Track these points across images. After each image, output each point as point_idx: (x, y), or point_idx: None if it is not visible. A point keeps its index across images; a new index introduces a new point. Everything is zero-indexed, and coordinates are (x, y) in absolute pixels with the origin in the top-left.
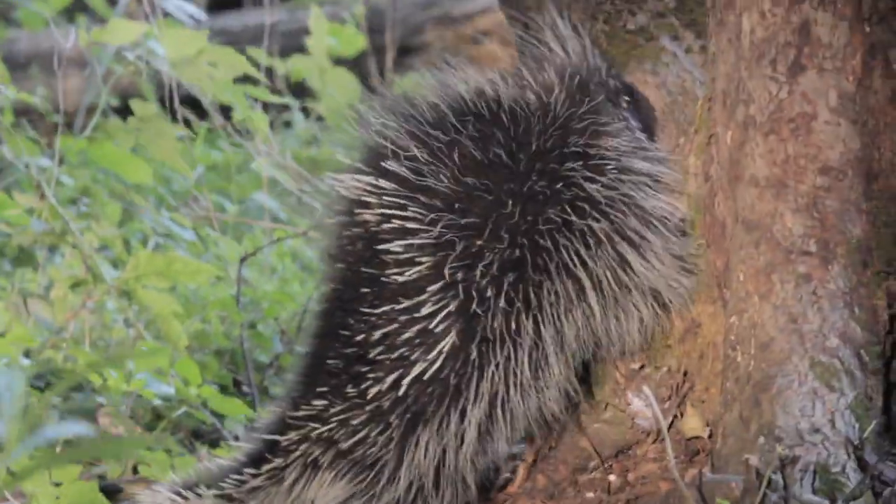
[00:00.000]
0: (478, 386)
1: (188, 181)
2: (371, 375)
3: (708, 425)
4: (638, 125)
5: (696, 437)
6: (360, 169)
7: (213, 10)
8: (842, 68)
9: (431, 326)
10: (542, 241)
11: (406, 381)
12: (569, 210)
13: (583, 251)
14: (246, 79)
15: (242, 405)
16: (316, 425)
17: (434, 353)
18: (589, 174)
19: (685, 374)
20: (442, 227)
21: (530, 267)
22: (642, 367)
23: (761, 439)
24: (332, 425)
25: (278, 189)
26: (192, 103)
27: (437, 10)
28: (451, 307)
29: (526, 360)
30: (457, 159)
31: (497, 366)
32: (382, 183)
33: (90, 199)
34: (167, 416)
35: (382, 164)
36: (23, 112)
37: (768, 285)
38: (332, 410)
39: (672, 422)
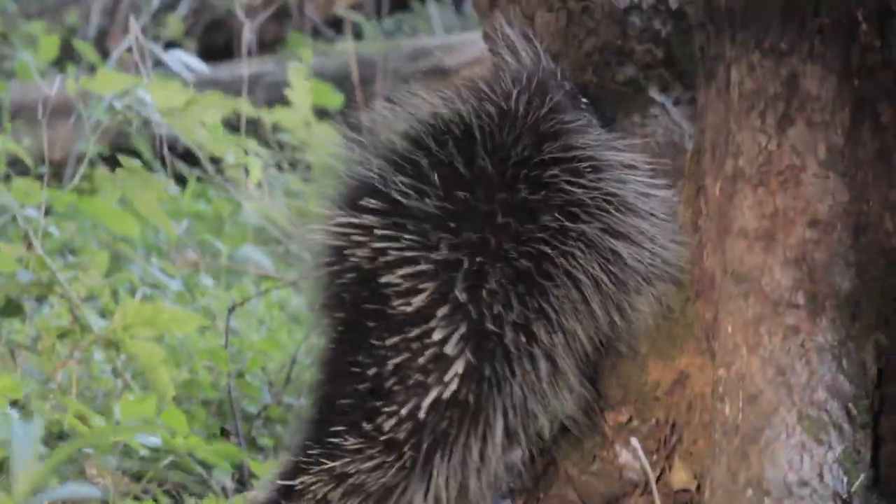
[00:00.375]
0: (496, 403)
1: (176, 230)
2: (386, 409)
3: (696, 478)
4: (599, 122)
5: (685, 490)
6: (339, 212)
7: (204, 61)
8: (830, 121)
9: (445, 350)
10: (542, 248)
11: (424, 407)
12: (560, 216)
13: (579, 255)
14: (236, 129)
15: (231, 447)
16: (328, 462)
17: (449, 375)
18: (570, 178)
19: (673, 426)
20: (439, 250)
21: (536, 276)
22: (630, 419)
23: (749, 492)
24: (345, 460)
25: (266, 238)
26: (184, 152)
27: (427, 61)
28: (462, 329)
29: (542, 368)
30: (438, 180)
31: (514, 379)
32: (366, 220)
33: (78, 249)
34: (154, 466)
35: (360, 202)
36: (11, 163)
37: (756, 338)
38: (346, 446)
39: (660, 474)
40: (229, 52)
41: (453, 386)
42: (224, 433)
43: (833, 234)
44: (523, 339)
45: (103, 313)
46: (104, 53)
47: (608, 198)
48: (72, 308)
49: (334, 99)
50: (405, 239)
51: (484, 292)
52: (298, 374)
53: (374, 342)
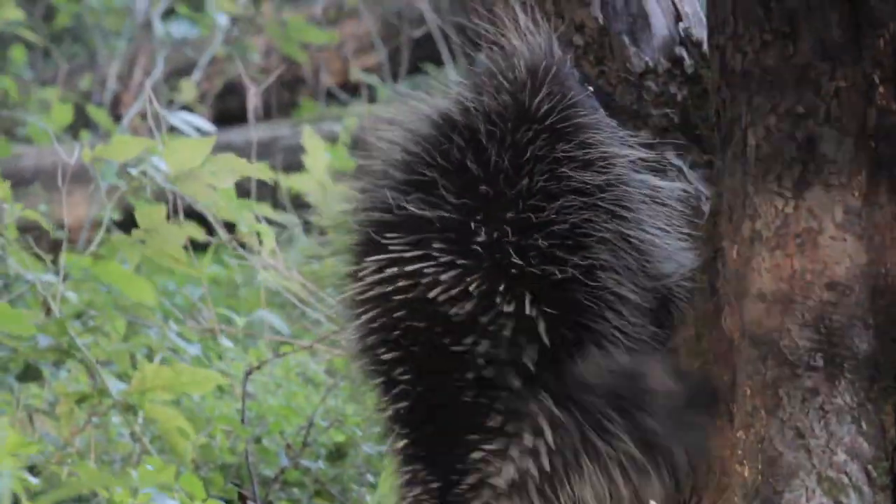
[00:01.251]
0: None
1: (193, 294)
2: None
3: None
4: (605, 111)
5: None
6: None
7: (217, 125)
8: (847, 184)
9: (524, 312)
10: (571, 218)
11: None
12: (589, 217)
13: (608, 256)
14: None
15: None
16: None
17: (541, 328)
18: (590, 179)
19: (692, 489)
20: (471, 242)
21: (575, 236)
22: None
23: None
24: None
25: (282, 302)
26: (198, 218)
27: None
28: (529, 295)
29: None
30: (451, 186)
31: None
32: (393, 253)
33: (95, 313)
34: None
35: (381, 240)
36: (27, 228)
37: (775, 400)
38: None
39: None
40: (244, 116)
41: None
42: (242, 498)
43: (851, 296)
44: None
45: (121, 377)
46: (118, 119)
47: (626, 195)
48: (90, 372)
49: (349, 162)
50: (434, 250)
51: (532, 259)
52: (316, 438)
53: (448, 364)
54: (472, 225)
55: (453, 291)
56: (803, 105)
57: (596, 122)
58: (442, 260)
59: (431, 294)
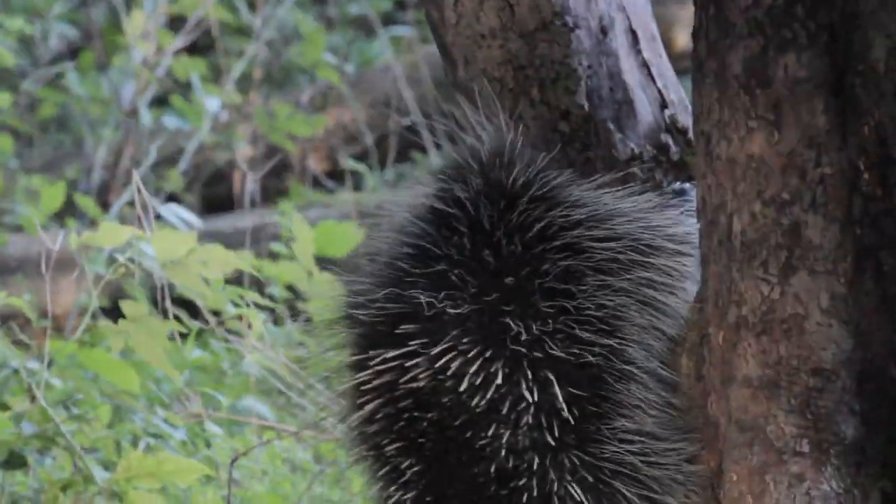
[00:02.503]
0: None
1: (179, 381)
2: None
3: None
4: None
5: None
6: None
7: (206, 212)
8: (833, 270)
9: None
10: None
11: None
12: (621, 301)
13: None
14: (237, 282)
15: None
16: None
17: (560, 401)
18: (571, 231)
19: None
20: (478, 332)
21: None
22: None
23: None
24: None
25: (268, 388)
26: (184, 303)
27: None
28: (552, 376)
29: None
30: (449, 279)
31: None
32: (403, 348)
33: (80, 401)
34: None
35: (394, 331)
36: (11, 316)
37: (762, 486)
38: None
39: None
40: (231, 204)
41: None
42: None
43: (837, 383)
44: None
45: (106, 465)
46: (105, 207)
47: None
48: (75, 460)
49: (349, 240)
50: (460, 342)
51: (536, 334)
52: None
53: (463, 457)
54: (502, 316)
55: (477, 380)
56: (788, 192)
57: (570, 180)
58: (470, 354)
59: (460, 387)
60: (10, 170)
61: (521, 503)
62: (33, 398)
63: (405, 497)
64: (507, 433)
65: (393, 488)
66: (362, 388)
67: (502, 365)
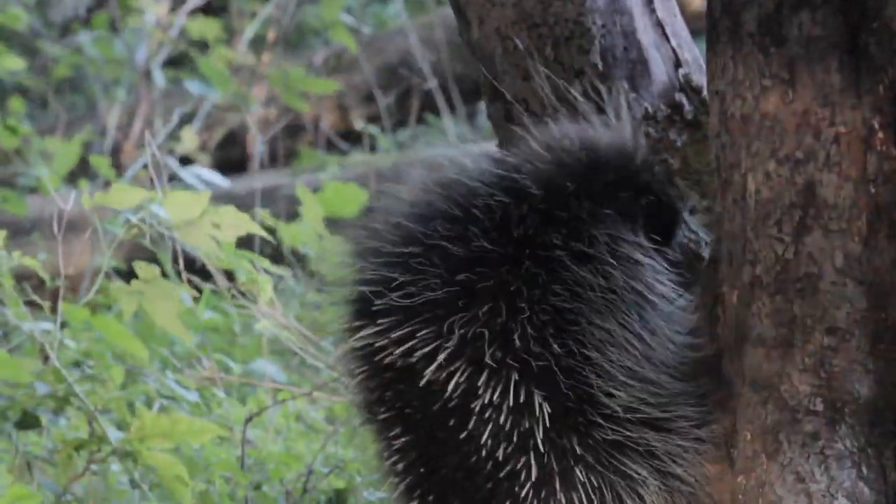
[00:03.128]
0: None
1: (191, 343)
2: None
3: None
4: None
5: None
6: (356, 321)
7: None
8: (847, 229)
9: (520, 400)
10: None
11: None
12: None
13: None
14: (248, 243)
15: None
16: None
17: (534, 418)
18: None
19: None
20: (454, 333)
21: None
22: None
23: None
24: None
25: (281, 349)
26: (198, 265)
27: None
28: (514, 377)
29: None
30: (440, 265)
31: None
32: (381, 324)
33: (94, 362)
34: None
35: (372, 307)
36: (26, 277)
37: (776, 444)
38: None
39: None
40: (244, 165)
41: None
42: None
43: (851, 342)
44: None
45: (120, 425)
46: (119, 168)
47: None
48: (88, 420)
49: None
50: (421, 336)
51: (517, 342)
52: (315, 485)
53: (448, 442)
54: (452, 320)
55: (439, 379)
56: (803, 150)
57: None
58: (427, 349)
59: (421, 379)
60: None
61: (519, 485)
62: (47, 359)
63: (399, 464)
64: (491, 421)
65: (387, 454)
66: (352, 355)
67: (467, 359)
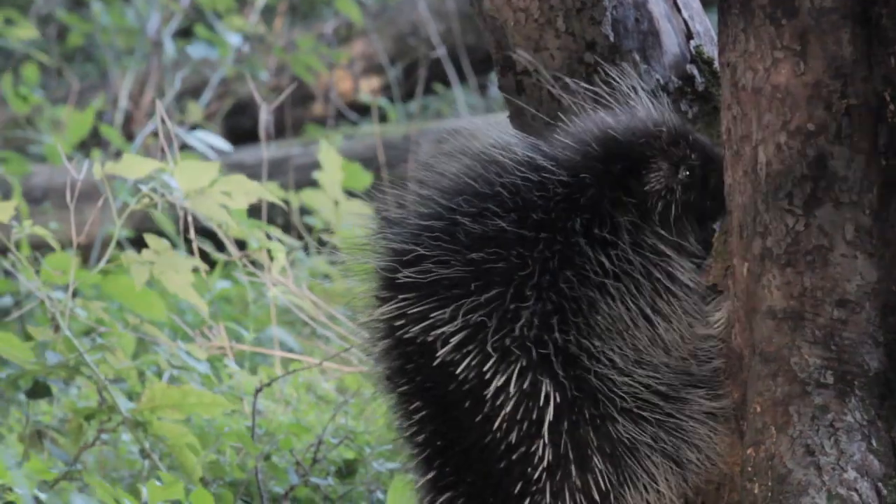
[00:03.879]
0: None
1: (203, 313)
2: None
3: None
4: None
5: None
6: (381, 297)
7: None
8: (858, 202)
9: (526, 388)
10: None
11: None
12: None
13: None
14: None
15: None
16: None
17: (541, 407)
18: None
19: None
20: (466, 315)
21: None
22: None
23: None
24: None
25: (292, 319)
26: (209, 235)
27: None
28: (521, 363)
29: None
30: (460, 243)
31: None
32: (403, 299)
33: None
34: None
35: (396, 279)
36: (38, 246)
37: (785, 417)
38: None
39: None
40: (255, 135)
41: (550, 409)
42: None
43: (861, 314)
44: (585, 346)
45: (130, 395)
46: (130, 138)
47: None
48: (99, 389)
49: (363, 179)
50: (435, 316)
51: (525, 329)
52: (325, 455)
53: (459, 426)
54: (463, 302)
55: (454, 359)
56: (814, 122)
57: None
58: (442, 329)
59: (437, 357)
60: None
61: (532, 467)
62: (58, 328)
63: (418, 436)
64: (502, 407)
65: (406, 425)
66: (375, 325)
67: (478, 343)
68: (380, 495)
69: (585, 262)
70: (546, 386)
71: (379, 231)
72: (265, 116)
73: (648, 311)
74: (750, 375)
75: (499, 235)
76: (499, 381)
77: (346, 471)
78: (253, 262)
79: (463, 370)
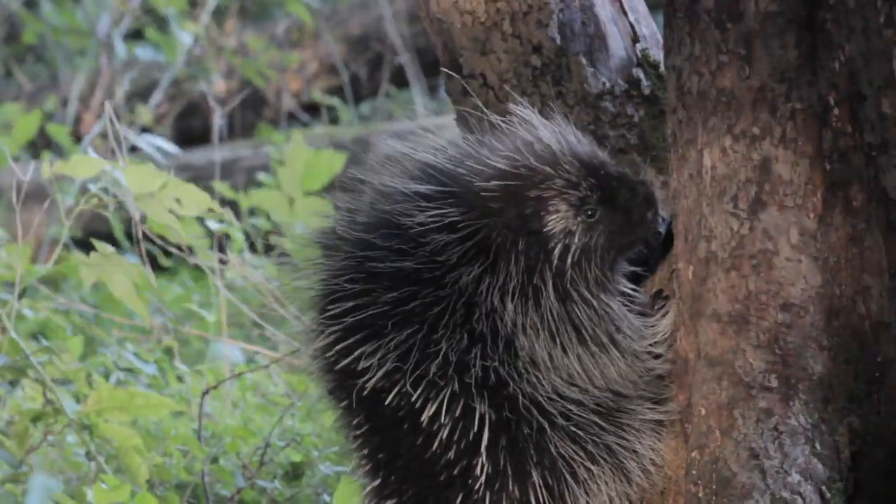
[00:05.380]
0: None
1: (145, 319)
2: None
3: None
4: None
5: None
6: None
7: (180, 145)
8: (802, 205)
9: (458, 414)
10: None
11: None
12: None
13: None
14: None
15: None
16: None
17: (477, 429)
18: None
19: None
20: (388, 348)
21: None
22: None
23: None
24: None
25: (240, 322)
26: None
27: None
28: (454, 389)
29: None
30: (382, 279)
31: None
32: (333, 330)
33: (52, 332)
34: None
35: (329, 307)
36: None
37: (730, 421)
38: None
39: None
40: (206, 137)
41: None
42: None
43: (806, 318)
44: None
45: (77, 397)
46: (79, 139)
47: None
48: (45, 391)
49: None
50: (361, 349)
51: (442, 359)
52: (272, 458)
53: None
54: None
55: (381, 385)
56: (759, 126)
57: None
58: (368, 362)
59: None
60: None
61: (472, 479)
62: (4, 329)
63: (363, 449)
64: (439, 430)
65: (351, 437)
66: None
67: (410, 373)
68: (326, 498)
69: (491, 303)
70: (480, 407)
71: (315, 259)
72: (218, 121)
73: (569, 345)
74: (695, 379)
75: (411, 275)
76: (430, 410)
77: (294, 474)
78: (198, 268)
79: (394, 398)
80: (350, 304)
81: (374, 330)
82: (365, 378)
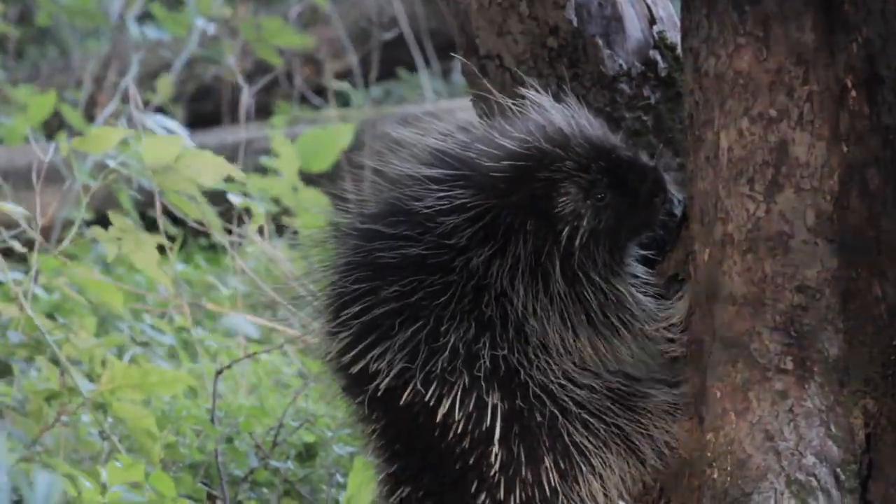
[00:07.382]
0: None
1: (164, 294)
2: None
3: None
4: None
5: None
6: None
7: (191, 128)
8: (819, 188)
9: (471, 409)
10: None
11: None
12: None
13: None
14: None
15: None
16: None
17: (490, 419)
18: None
19: (661, 490)
20: (403, 344)
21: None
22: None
23: None
24: None
25: (253, 303)
26: (169, 214)
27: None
28: (465, 384)
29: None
30: (390, 273)
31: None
32: (342, 333)
33: (67, 311)
34: None
35: (340, 313)
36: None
37: (745, 403)
38: None
39: None
40: (217, 119)
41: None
42: (210, 497)
43: (821, 300)
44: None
45: (91, 376)
46: (91, 120)
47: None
48: (60, 370)
49: (322, 159)
50: (372, 352)
51: (450, 353)
52: (286, 438)
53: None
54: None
55: (391, 384)
56: (776, 108)
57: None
58: (377, 365)
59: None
60: None
61: (487, 465)
62: (20, 307)
63: (379, 441)
64: (452, 424)
65: (367, 429)
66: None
67: (420, 371)
68: (340, 478)
69: (501, 285)
70: (492, 399)
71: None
72: (246, 99)
73: (579, 328)
74: (710, 361)
75: (417, 262)
76: (444, 407)
77: (307, 454)
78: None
79: (408, 396)
80: (357, 307)
81: (382, 332)
82: (377, 381)
